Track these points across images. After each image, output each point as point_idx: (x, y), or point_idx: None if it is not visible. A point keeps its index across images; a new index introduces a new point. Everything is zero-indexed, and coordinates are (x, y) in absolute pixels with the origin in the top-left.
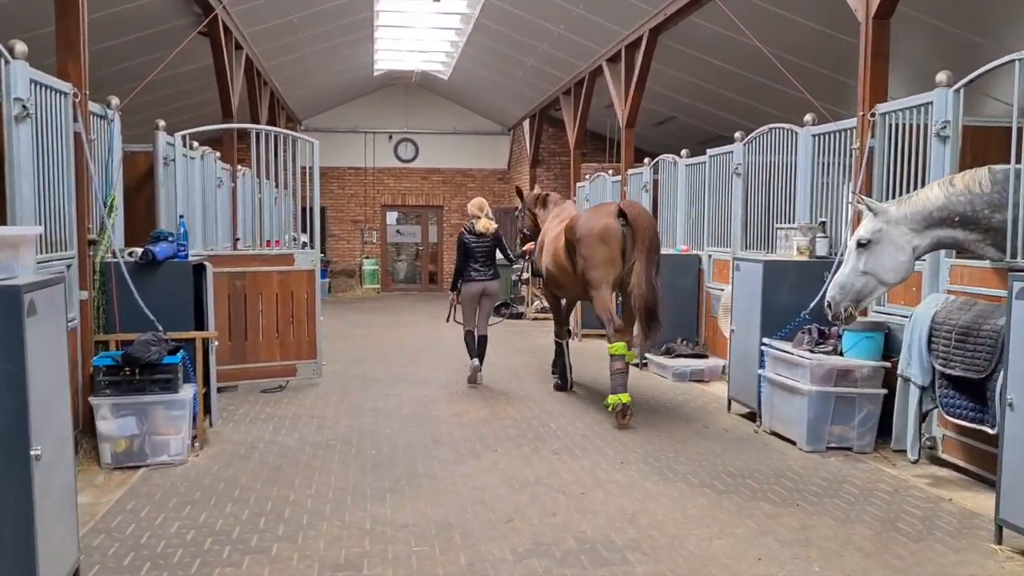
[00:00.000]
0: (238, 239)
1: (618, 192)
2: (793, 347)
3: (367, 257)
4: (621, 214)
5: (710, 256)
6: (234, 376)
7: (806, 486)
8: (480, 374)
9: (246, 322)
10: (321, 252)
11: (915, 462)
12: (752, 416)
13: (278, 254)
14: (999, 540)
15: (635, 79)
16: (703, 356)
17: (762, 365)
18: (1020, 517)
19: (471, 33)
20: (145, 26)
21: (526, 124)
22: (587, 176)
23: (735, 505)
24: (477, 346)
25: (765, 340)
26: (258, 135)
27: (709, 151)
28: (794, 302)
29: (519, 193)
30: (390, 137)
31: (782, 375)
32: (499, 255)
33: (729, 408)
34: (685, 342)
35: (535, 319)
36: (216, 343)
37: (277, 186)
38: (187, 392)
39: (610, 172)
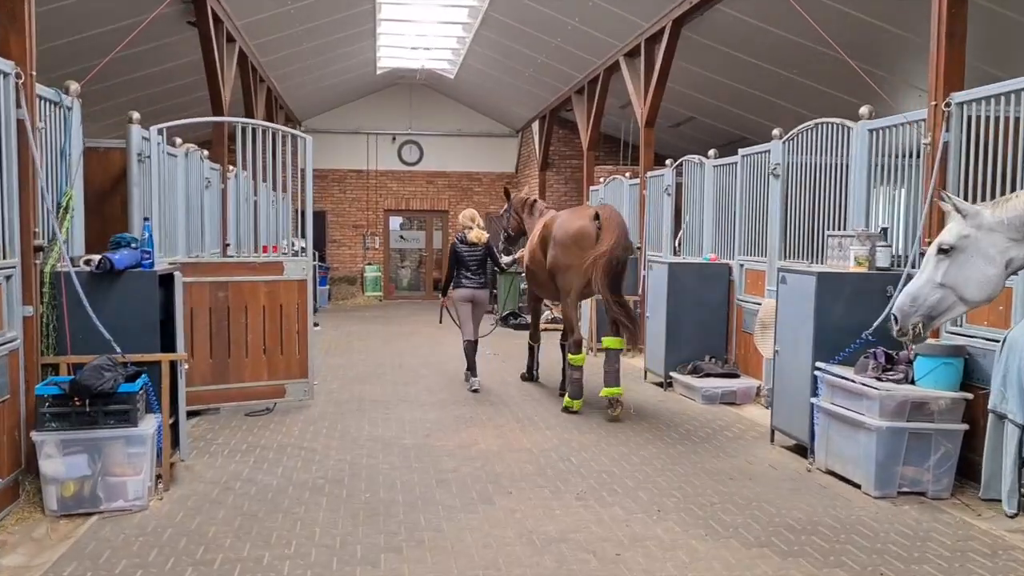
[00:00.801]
0: (228, 244)
1: (636, 196)
2: (855, 374)
3: (369, 264)
4: (597, 216)
5: (742, 266)
6: (216, 398)
7: (885, 545)
8: (477, 379)
9: (230, 338)
10: (321, 259)
11: (1013, 516)
12: (800, 450)
13: (266, 262)
14: None
15: (656, 74)
16: (734, 375)
17: (815, 392)
18: None
19: (479, 27)
20: (131, 14)
21: (535, 126)
22: (601, 180)
23: (806, 574)
24: (466, 354)
25: (820, 364)
26: (245, 131)
27: (742, 151)
28: (852, 320)
29: (506, 193)
30: (393, 139)
31: (842, 406)
32: (490, 264)
33: (772, 439)
34: (714, 360)
35: (545, 329)
36: (186, 366)
37: (274, 188)
38: (149, 425)
39: (627, 175)
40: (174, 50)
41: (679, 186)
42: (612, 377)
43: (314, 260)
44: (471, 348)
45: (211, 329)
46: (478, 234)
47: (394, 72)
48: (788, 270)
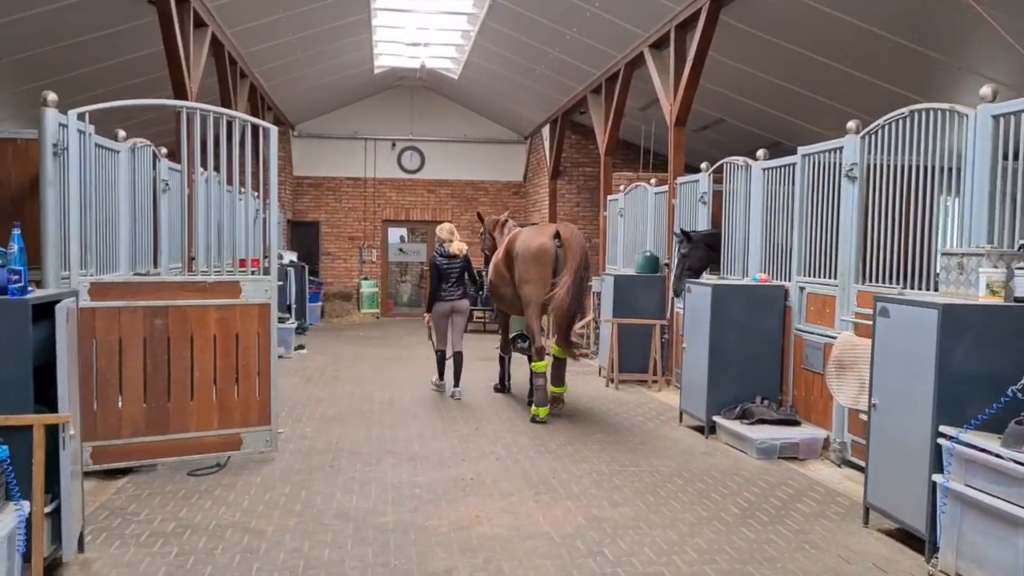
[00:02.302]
0: (193, 259)
1: (662, 205)
2: (1005, 447)
3: (365, 278)
4: (557, 235)
5: (802, 289)
6: (152, 452)
7: None
8: (458, 389)
9: (170, 377)
10: (313, 273)
11: None
12: (909, 538)
13: (218, 282)
14: None
15: (689, 65)
16: (793, 422)
17: (939, 467)
18: None
19: (484, 18)
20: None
21: (546, 131)
22: (621, 187)
23: None
24: (454, 364)
25: (947, 430)
26: (191, 117)
27: (803, 149)
28: (988, 369)
29: (480, 217)
30: (393, 145)
31: (985, 491)
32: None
33: (866, 520)
34: (766, 402)
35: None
36: (72, 432)
37: (231, 186)
38: (4, 520)
39: (652, 181)
40: (136, 39)
41: (718, 194)
42: (540, 395)
43: (305, 274)
44: (443, 358)
45: (146, 366)
46: (459, 246)
47: (393, 72)
48: (892, 300)
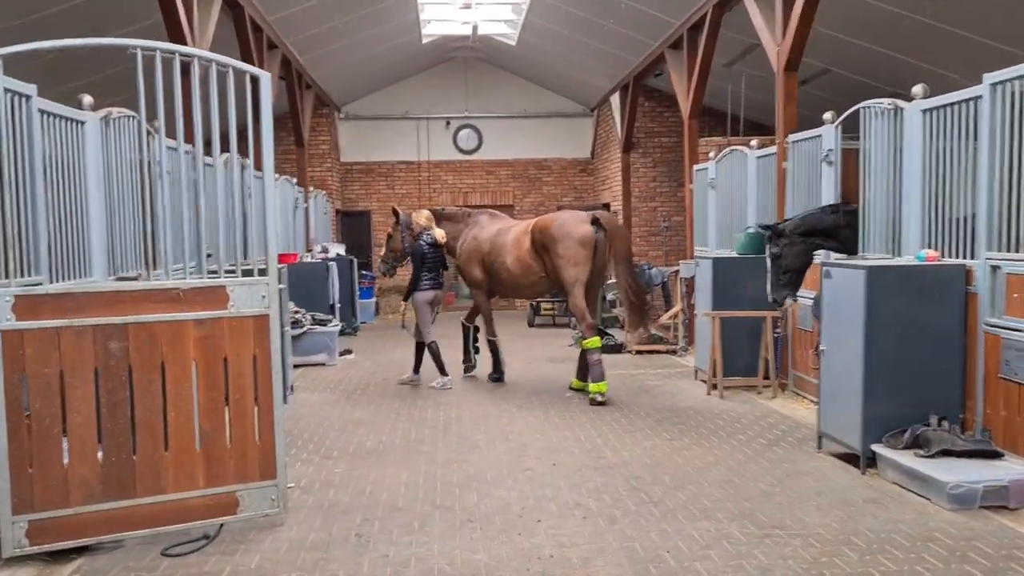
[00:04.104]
0: (210, 255)
1: (768, 171)
2: None
3: None
4: (595, 222)
5: (995, 269)
6: (113, 523)
7: None
8: (448, 379)
9: (134, 419)
10: (365, 267)
11: None
12: None
13: (197, 288)
14: None
15: None
16: (990, 453)
17: None
18: None
19: None
20: None
21: (615, 99)
22: (711, 154)
23: None
24: (432, 355)
25: None
26: (149, 62)
27: (989, 77)
28: None
29: (395, 212)
30: (447, 123)
31: None
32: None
33: None
34: (945, 424)
35: (639, 352)
36: None
37: (210, 155)
38: None
39: (753, 143)
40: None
41: (847, 154)
42: (597, 371)
43: (354, 269)
44: (438, 349)
45: (100, 406)
46: (441, 233)
47: (444, 43)
48: None
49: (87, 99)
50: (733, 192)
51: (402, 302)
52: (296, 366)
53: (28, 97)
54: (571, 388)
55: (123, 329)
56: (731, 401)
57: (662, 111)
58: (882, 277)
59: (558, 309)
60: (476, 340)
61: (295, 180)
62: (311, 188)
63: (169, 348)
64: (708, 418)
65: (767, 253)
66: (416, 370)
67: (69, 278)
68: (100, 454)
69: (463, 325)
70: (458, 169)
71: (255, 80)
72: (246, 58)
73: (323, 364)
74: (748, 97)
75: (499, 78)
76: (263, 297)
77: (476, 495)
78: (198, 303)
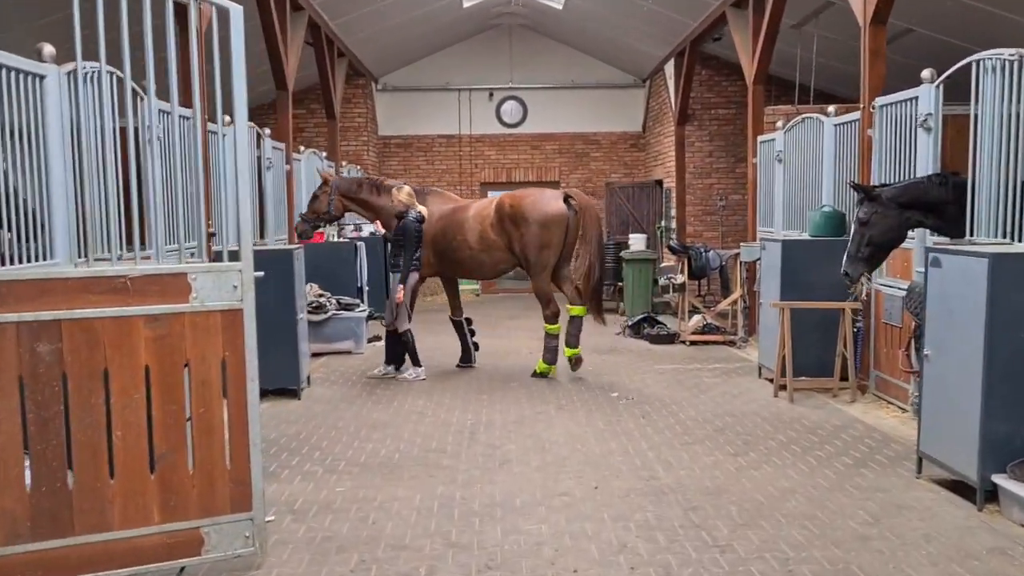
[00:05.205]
0: (213, 234)
1: (849, 140)
2: None
3: None
4: (566, 200)
5: None
6: (47, 567)
7: None
8: (423, 369)
9: (70, 440)
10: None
11: None
12: None
13: (148, 275)
14: None
15: None
16: None
17: None
18: None
19: None
20: None
21: (669, 68)
22: (779, 124)
23: None
24: (406, 345)
25: None
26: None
27: None
28: None
29: (325, 180)
30: (491, 95)
31: None
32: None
33: None
34: None
35: (693, 342)
36: None
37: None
38: None
39: (831, 109)
40: None
41: (947, 120)
42: (574, 339)
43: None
44: (412, 338)
45: (26, 424)
46: (426, 212)
47: (486, 8)
48: None
49: (48, 48)
50: (805, 166)
51: (399, 286)
52: (319, 354)
53: None
54: (568, 359)
55: (55, 327)
56: (803, 405)
57: (720, 80)
58: (1011, 268)
59: (605, 293)
60: (473, 334)
61: (324, 154)
62: (343, 163)
63: (114, 350)
64: (778, 427)
65: (854, 217)
66: (390, 360)
67: (20, 262)
68: (27, 482)
69: (454, 321)
70: (501, 143)
71: (223, 12)
72: (265, 17)
73: (349, 352)
74: (820, 65)
75: (545, 47)
76: (235, 287)
77: (500, 529)
78: (151, 295)
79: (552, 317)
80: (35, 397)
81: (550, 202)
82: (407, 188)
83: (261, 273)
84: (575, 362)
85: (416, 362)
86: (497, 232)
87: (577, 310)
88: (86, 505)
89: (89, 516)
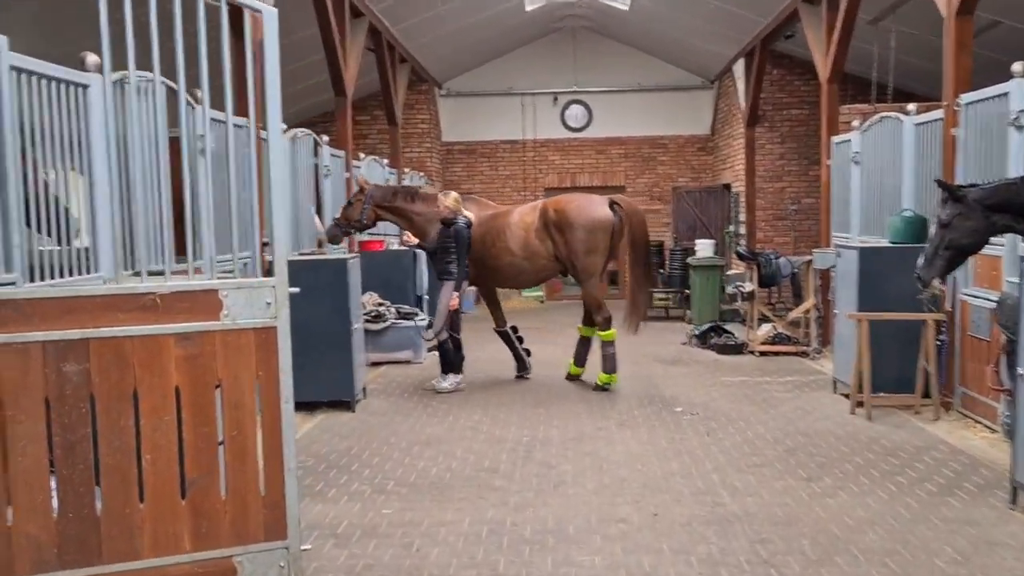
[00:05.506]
0: (266, 243)
1: (930, 142)
2: None
3: None
4: (612, 205)
5: None
6: None
7: None
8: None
9: (98, 464)
10: None
11: None
12: None
13: (180, 292)
14: None
15: None
16: None
17: None
18: None
19: None
20: None
21: (738, 68)
22: (855, 123)
23: None
24: (445, 353)
25: None
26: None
27: None
28: None
29: (361, 186)
30: (555, 99)
31: None
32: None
33: None
34: None
35: (763, 353)
36: None
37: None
38: None
39: (912, 108)
40: None
41: None
42: (610, 363)
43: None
44: (455, 346)
45: (52, 447)
46: (473, 216)
47: (549, 11)
48: None
49: (91, 58)
50: (883, 168)
51: (454, 293)
52: (377, 363)
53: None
54: (568, 376)
55: (82, 346)
56: (882, 424)
57: (792, 79)
58: None
59: (672, 300)
60: (521, 341)
61: (386, 161)
62: (407, 170)
63: (144, 370)
64: (855, 448)
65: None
66: (447, 371)
67: (63, 276)
68: (54, 508)
69: (499, 332)
70: (566, 148)
71: (256, 12)
72: (323, 24)
73: (408, 362)
74: (899, 62)
75: (609, 49)
76: (268, 304)
77: (551, 560)
78: (181, 312)
79: (605, 323)
80: (62, 420)
81: (596, 207)
82: (454, 194)
83: (296, 289)
84: (602, 388)
85: (454, 369)
86: (541, 238)
87: (607, 334)
88: (114, 532)
89: (117, 543)
